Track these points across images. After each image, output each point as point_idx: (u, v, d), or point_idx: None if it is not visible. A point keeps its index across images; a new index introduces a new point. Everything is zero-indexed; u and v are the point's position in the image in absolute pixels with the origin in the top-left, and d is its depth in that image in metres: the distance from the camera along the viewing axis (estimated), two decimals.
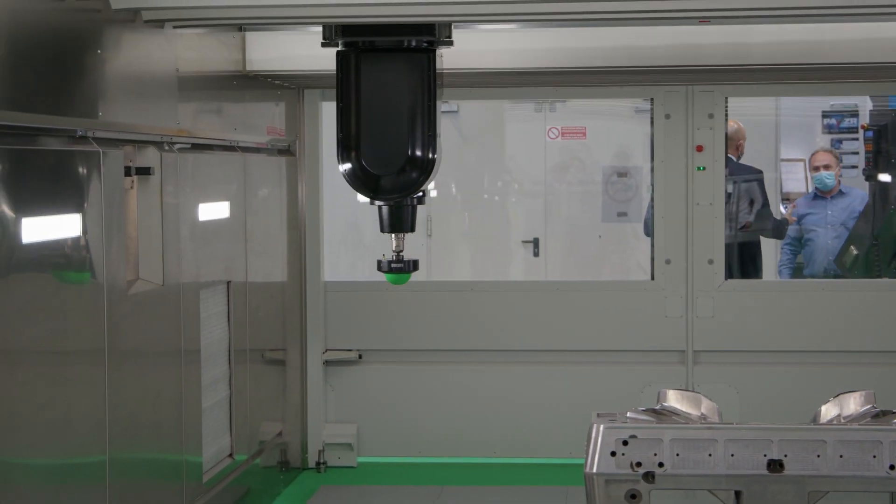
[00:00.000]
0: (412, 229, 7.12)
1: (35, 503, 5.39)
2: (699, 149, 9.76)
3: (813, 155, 12.02)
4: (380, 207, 7.04)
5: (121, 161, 6.28)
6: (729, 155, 10.50)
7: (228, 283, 8.11)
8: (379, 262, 7.21)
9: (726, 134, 9.89)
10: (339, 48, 6.87)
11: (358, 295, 10.02)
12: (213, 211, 7.79)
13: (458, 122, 13.59)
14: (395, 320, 10.01)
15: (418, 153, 6.77)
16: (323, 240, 10.01)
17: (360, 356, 10.04)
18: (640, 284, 10.11)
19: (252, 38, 8.30)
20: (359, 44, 6.81)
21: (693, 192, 9.79)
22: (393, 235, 7.14)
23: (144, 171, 6.73)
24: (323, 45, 6.90)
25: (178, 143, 7.21)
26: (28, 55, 5.36)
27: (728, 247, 10.15)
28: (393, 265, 7.17)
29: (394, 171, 6.77)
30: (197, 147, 7.55)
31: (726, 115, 9.84)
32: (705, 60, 8.36)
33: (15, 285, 5.17)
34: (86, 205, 5.82)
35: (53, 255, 5.54)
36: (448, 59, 7.22)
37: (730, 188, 10.61)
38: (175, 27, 6.83)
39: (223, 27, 7.80)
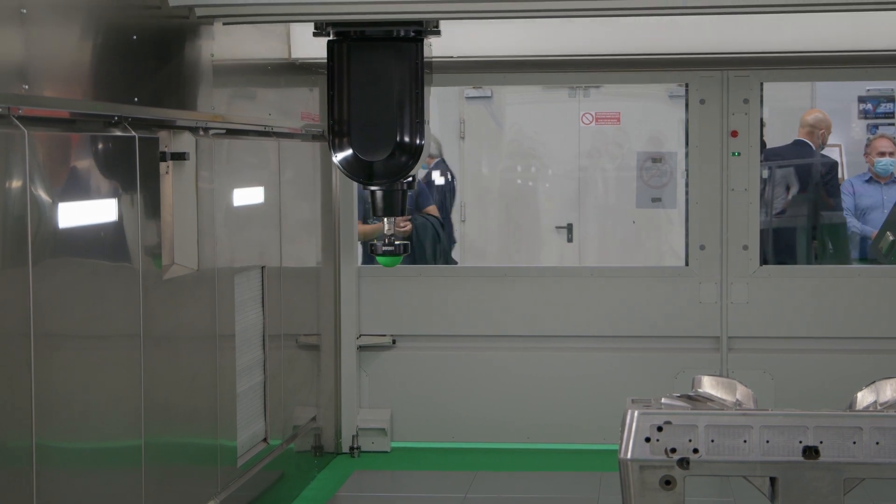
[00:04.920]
0: (403, 213, 7.31)
1: (72, 487, 5.42)
2: (734, 134, 9.72)
3: (874, 141, 11.95)
4: (372, 193, 7.22)
5: (156, 146, 6.30)
6: (808, 141, 10.50)
7: (263, 268, 8.13)
8: (371, 246, 7.44)
9: (761, 120, 9.85)
10: (330, 38, 7.03)
11: (392, 280, 10.02)
12: (248, 196, 7.81)
13: (491, 107, 13.58)
14: (429, 306, 10.01)
15: (406, 139, 6.94)
16: (356, 225, 10.02)
17: (393, 341, 10.05)
18: (674, 270, 10.08)
19: (290, 25, 8.35)
20: (350, 33, 6.98)
21: (728, 177, 9.75)
22: (385, 219, 7.33)
23: (180, 157, 6.75)
24: (314, 34, 7.07)
25: (214, 129, 7.23)
26: (65, 41, 5.38)
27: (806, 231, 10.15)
28: (384, 248, 7.35)
29: (383, 157, 6.94)
30: (232, 132, 7.57)
31: (762, 100, 9.80)
32: (740, 48, 8.32)
33: (52, 270, 5.20)
34: (122, 190, 5.85)
35: (90, 241, 5.56)
36: (481, 45, 7.32)
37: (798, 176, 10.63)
38: (224, 24, 7.02)
39: (268, 23, 7.89)
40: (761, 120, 9.84)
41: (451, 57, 8.37)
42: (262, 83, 8.18)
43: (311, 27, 7.79)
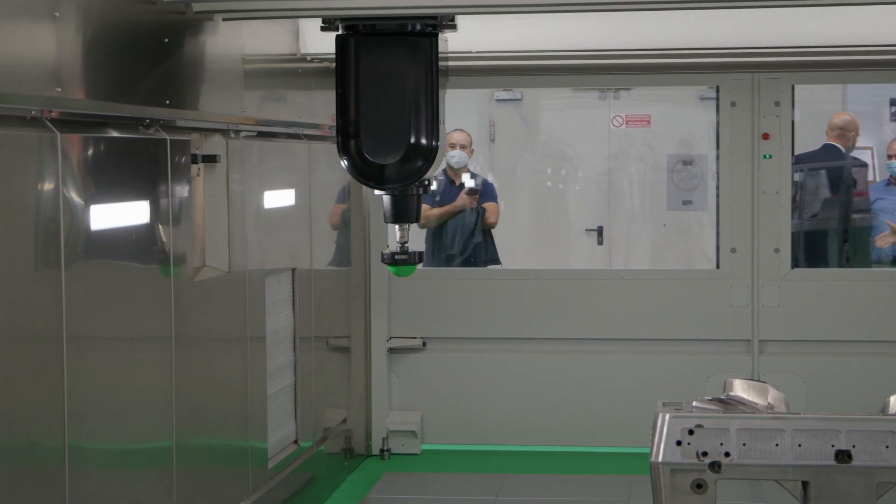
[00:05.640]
0: (417, 220, 6.85)
1: (104, 488, 5.44)
2: (765, 137, 9.69)
3: (892, 143, 11.89)
4: (383, 198, 6.77)
5: (187, 149, 6.32)
6: (837, 145, 10.46)
7: (293, 270, 8.15)
8: (382, 254, 6.98)
9: (792, 122, 9.81)
10: (338, 32, 6.61)
11: (422, 282, 10.03)
12: (279, 198, 7.82)
13: (521, 110, 13.57)
14: (460, 308, 10.01)
15: (422, 141, 6.50)
16: (387, 227, 10.02)
17: (424, 344, 10.06)
18: (705, 273, 10.06)
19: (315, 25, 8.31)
20: (359, 28, 6.53)
21: (759, 180, 9.72)
22: (397, 226, 6.88)
23: (211, 159, 6.77)
24: (322, 29, 6.66)
25: (244, 131, 7.25)
26: (97, 45, 5.40)
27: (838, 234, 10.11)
28: (397, 257, 6.88)
29: (395, 159, 6.50)
30: (262, 135, 7.58)
31: (793, 102, 9.76)
32: (772, 43, 8.27)
33: (84, 273, 5.22)
34: (154, 192, 5.87)
35: (122, 243, 5.58)
36: (501, 41, 7.07)
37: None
38: (224, 19, 6.73)
39: (270, 19, 7.70)
40: (793, 123, 9.80)
41: (470, 52, 8.23)
42: (292, 85, 8.19)
43: None
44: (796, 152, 9.92)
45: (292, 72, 8.17)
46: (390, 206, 6.74)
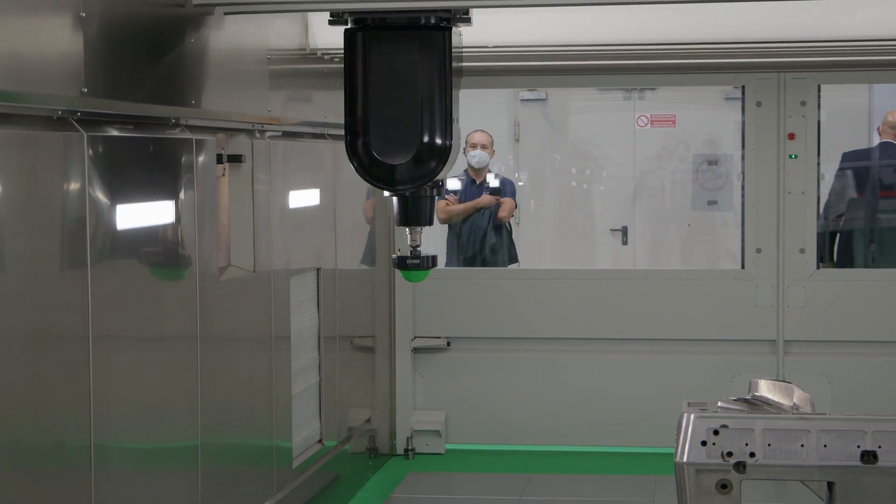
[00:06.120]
0: (430, 222, 6.48)
1: (129, 486, 5.46)
2: (791, 137, 9.67)
3: None
4: (396, 199, 6.38)
5: (213, 149, 6.33)
6: (891, 141, 10.45)
7: (318, 269, 8.16)
8: (394, 259, 6.60)
9: (818, 122, 9.78)
10: (347, 26, 6.24)
11: (447, 282, 10.03)
12: (304, 198, 7.84)
13: (546, 110, 13.56)
14: (484, 308, 10.01)
15: (436, 141, 6.10)
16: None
17: (448, 343, 10.06)
18: (730, 273, 10.04)
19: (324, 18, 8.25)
20: (368, 21, 6.16)
21: (784, 180, 9.70)
22: (408, 229, 6.48)
23: (236, 159, 6.79)
24: (330, 22, 6.30)
25: (269, 131, 7.26)
26: (124, 45, 5.42)
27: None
28: (409, 262, 6.47)
29: (406, 159, 6.11)
30: (287, 134, 7.60)
31: (819, 102, 9.74)
32: (800, 37, 8.23)
33: (110, 272, 5.24)
34: (179, 192, 5.89)
35: (147, 242, 5.60)
36: (525, 36, 6.92)
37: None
38: (226, 13, 6.46)
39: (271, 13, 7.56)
40: (818, 123, 9.77)
41: (486, 47, 8.11)
42: (317, 85, 8.21)
43: None
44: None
45: (317, 72, 8.18)
46: (401, 207, 6.37)
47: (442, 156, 6.13)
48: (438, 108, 6.11)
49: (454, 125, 6.21)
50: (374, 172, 6.15)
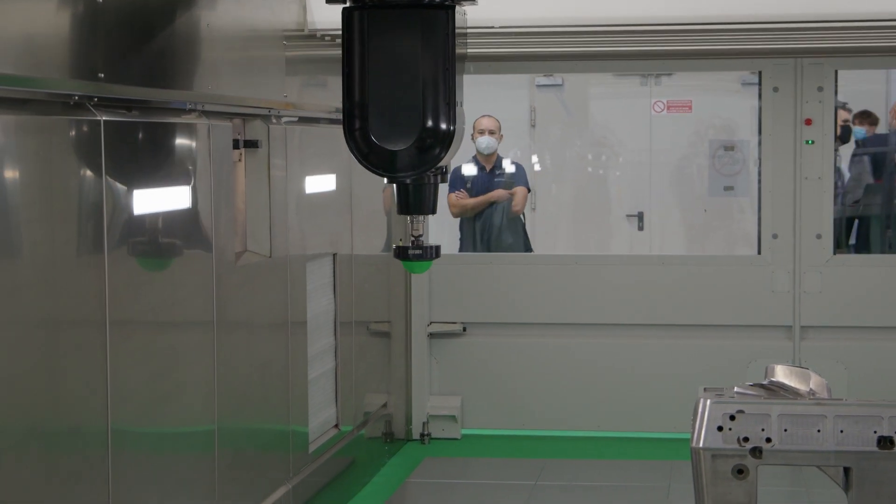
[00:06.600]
0: (433, 211, 6.15)
1: (146, 471, 5.48)
2: (808, 122, 9.65)
3: None
4: (396, 187, 6.04)
5: (229, 134, 6.34)
6: None
7: (334, 255, 8.17)
8: (395, 249, 6.24)
9: (835, 107, 9.76)
10: (345, 5, 5.88)
11: (463, 268, 10.04)
12: (320, 184, 7.84)
13: (562, 95, 13.54)
14: (500, 293, 10.02)
15: (440, 125, 5.77)
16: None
17: (464, 329, 10.07)
18: (746, 259, 10.03)
19: None
20: (367, 0, 5.82)
21: (801, 165, 9.68)
22: (410, 218, 6.16)
23: (252, 144, 6.80)
24: (328, 1, 5.96)
25: (286, 116, 7.26)
26: (140, 30, 5.43)
27: None
28: (410, 252, 6.15)
29: (406, 145, 5.77)
30: (304, 120, 7.60)
31: (836, 88, 9.71)
32: (815, 16, 8.18)
33: (127, 257, 5.25)
34: (195, 177, 5.89)
35: (164, 228, 5.61)
36: (533, 15, 6.83)
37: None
38: None
39: None
40: (835, 108, 9.74)
41: (493, 28, 7.96)
42: (333, 70, 8.19)
43: None
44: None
45: (333, 57, 8.17)
46: (402, 196, 6.04)
47: (445, 141, 5.83)
48: (442, 91, 5.80)
49: (459, 109, 5.91)
50: (372, 159, 5.81)
